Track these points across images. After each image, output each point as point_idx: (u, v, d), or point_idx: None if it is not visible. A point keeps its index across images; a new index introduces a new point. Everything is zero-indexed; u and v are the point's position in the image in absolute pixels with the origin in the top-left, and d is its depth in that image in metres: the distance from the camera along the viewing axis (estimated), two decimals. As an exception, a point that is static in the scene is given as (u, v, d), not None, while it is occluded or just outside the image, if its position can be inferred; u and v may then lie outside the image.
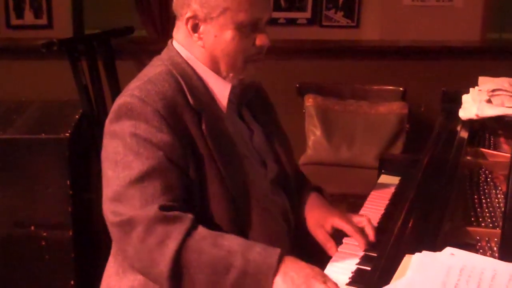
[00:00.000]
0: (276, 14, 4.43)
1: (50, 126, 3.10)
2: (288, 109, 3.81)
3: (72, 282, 3.03)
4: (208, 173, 1.73)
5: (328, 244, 1.83)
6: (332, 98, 4.04)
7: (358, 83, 4.15)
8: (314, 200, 2.02)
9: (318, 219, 1.92)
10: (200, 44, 1.79)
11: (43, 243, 3.02)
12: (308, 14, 4.49)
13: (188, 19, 1.77)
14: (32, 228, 3.01)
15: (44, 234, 3.02)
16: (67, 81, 3.31)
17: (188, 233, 1.61)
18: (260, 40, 1.80)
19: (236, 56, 1.78)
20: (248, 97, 1.95)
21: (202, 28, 1.77)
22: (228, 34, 1.75)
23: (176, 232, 1.60)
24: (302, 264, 1.61)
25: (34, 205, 3.01)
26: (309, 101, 4.01)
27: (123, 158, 1.67)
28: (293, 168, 2.04)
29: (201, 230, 1.63)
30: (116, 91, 3.57)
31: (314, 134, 3.94)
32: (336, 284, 1.55)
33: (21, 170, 2.98)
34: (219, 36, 1.76)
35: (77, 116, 3.22)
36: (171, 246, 1.59)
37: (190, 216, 1.64)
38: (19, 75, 4.11)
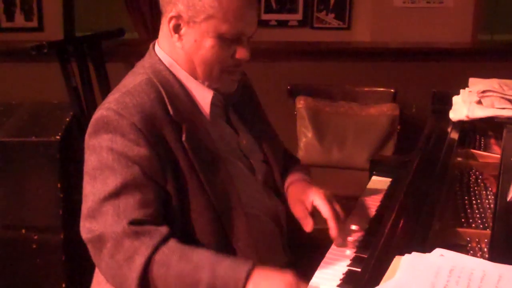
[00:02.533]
0: (267, 16, 4.44)
1: (40, 129, 3.09)
2: (279, 111, 3.81)
3: (63, 285, 3.02)
4: (189, 185, 1.71)
5: (305, 220, 1.81)
6: (323, 100, 4.04)
7: (349, 84, 4.15)
8: (296, 175, 2.02)
9: (298, 194, 1.90)
10: (179, 46, 1.76)
11: (34, 246, 3.01)
12: (299, 16, 4.49)
13: (171, 18, 1.74)
14: (23, 231, 3.00)
15: (35, 237, 3.01)
16: (58, 84, 3.31)
17: (156, 248, 1.60)
18: (240, 53, 1.77)
19: (212, 65, 1.76)
20: (234, 98, 1.92)
21: (183, 30, 1.74)
22: (208, 42, 1.72)
23: (144, 247, 1.59)
24: (274, 273, 1.59)
25: (25, 208, 3.00)
26: (300, 103, 4.01)
27: (100, 174, 1.66)
28: (281, 167, 2.03)
29: (171, 244, 1.62)
30: (107, 93, 3.53)
31: (306, 135, 3.94)
32: None
33: (11, 173, 2.97)
34: (199, 42, 1.73)
35: (67, 119, 3.21)
36: (138, 261, 1.59)
37: (162, 229, 1.63)
38: (9, 77, 4.10)
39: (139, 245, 1.60)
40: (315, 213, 1.85)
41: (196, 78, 1.80)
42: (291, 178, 2.02)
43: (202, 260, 1.60)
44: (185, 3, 1.71)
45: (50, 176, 2.96)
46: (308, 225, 1.81)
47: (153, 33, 4.07)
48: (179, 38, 1.76)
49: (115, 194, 1.63)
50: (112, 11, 4.58)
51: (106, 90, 3.56)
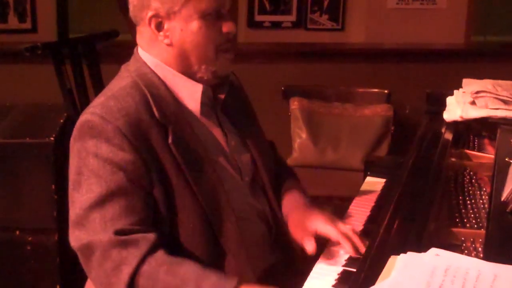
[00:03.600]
0: (261, 18, 4.44)
1: (34, 130, 3.09)
2: (273, 112, 3.83)
3: (57, 287, 3.01)
4: (176, 187, 1.71)
5: (307, 242, 1.77)
6: (318, 101, 4.05)
7: (343, 85, 4.17)
8: (295, 200, 1.99)
9: (300, 221, 1.87)
10: (167, 42, 1.76)
11: (28, 248, 3.00)
12: (293, 17, 4.50)
13: (150, 19, 1.74)
14: (17, 232, 2.99)
15: (29, 238, 3.00)
16: (52, 85, 3.30)
17: (144, 259, 1.60)
18: (227, 27, 1.78)
19: (206, 46, 1.76)
20: (222, 93, 1.90)
21: (166, 25, 1.74)
22: (194, 25, 1.73)
23: (131, 258, 1.59)
24: None
25: (19, 210, 2.99)
26: (295, 104, 4.01)
27: (86, 180, 1.66)
28: (270, 169, 2.01)
29: (159, 255, 1.62)
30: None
31: (300, 137, 3.94)
32: None
33: (5, 175, 2.96)
34: (185, 29, 1.73)
35: (61, 120, 3.20)
36: (125, 271, 1.58)
37: (149, 238, 1.63)
38: (3, 79, 4.09)
39: (126, 255, 1.59)
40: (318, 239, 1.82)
41: (188, 70, 1.79)
42: (289, 204, 1.99)
43: (189, 275, 1.59)
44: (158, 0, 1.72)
45: (44, 177, 2.95)
46: (309, 247, 1.76)
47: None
48: (165, 36, 1.76)
49: (101, 202, 1.63)
50: (106, 13, 4.57)
51: (100, 91, 3.51)
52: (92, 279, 1.68)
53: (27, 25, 4.35)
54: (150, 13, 1.73)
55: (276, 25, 4.49)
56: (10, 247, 3.00)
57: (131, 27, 4.33)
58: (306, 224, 1.84)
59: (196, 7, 1.72)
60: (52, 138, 2.95)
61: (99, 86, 3.57)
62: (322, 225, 1.81)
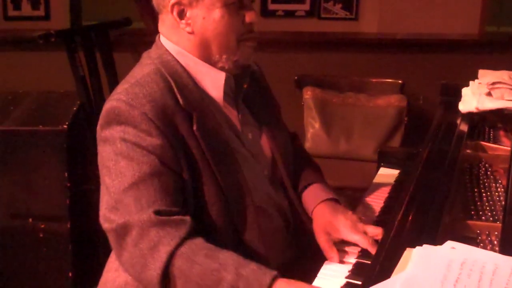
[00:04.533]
0: (274, 6, 4.43)
1: (47, 118, 3.10)
2: (286, 102, 3.79)
3: (69, 274, 3.03)
4: (201, 173, 1.71)
5: (331, 253, 1.76)
6: (331, 91, 4.04)
7: (356, 75, 4.15)
8: (320, 195, 1.96)
9: (325, 227, 1.85)
10: (189, 30, 1.75)
11: (41, 235, 3.02)
12: (306, 6, 4.48)
13: (173, 6, 1.73)
14: (30, 220, 3.01)
15: (42, 226, 3.01)
16: (65, 73, 3.30)
17: (182, 241, 1.58)
18: (249, 17, 1.77)
19: (228, 35, 1.76)
20: (244, 88, 1.90)
21: (188, 13, 1.74)
22: (217, 13, 1.72)
23: (169, 238, 1.58)
24: (297, 284, 1.56)
25: (32, 197, 3.00)
26: (308, 94, 4.01)
27: (115, 165, 1.65)
28: (290, 163, 2.00)
29: (199, 241, 1.61)
30: (114, 82, 3.56)
31: (313, 126, 3.94)
32: None
33: (18, 162, 2.97)
34: (208, 17, 1.73)
35: (74, 108, 3.21)
36: (163, 251, 1.57)
37: (187, 222, 1.62)
38: (16, 66, 4.11)
39: (164, 235, 1.58)
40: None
41: (209, 59, 1.79)
42: (314, 199, 1.96)
43: (228, 260, 1.57)
44: None
45: (57, 165, 2.96)
46: (333, 258, 1.75)
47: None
48: (186, 24, 1.75)
49: (135, 184, 1.62)
50: (118, 1, 4.57)
51: (113, 79, 3.56)
52: (124, 262, 1.65)
53: (41, 12, 4.36)
54: (172, 1, 1.73)
55: (289, 14, 4.48)
56: (23, 235, 3.02)
57: (144, 16, 4.35)
58: (332, 230, 1.82)
59: None
60: (65, 126, 2.96)
61: (112, 74, 3.57)
62: (349, 233, 1.79)
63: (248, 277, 1.53)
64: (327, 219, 1.86)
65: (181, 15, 1.75)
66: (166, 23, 1.81)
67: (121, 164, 1.64)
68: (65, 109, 3.22)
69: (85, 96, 3.28)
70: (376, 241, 1.75)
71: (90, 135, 3.22)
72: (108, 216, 1.65)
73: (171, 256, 1.57)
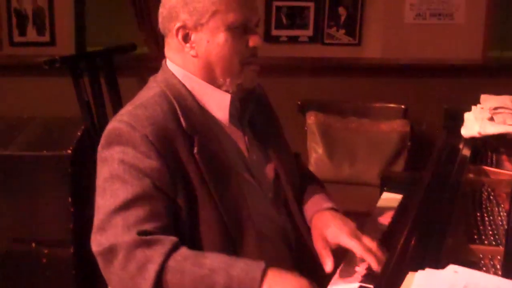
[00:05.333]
0: (278, 32, 4.45)
1: (52, 143, 3.11)
2: (289, 127, 3.79)
3: (73, 299, 3.02)
4: (199, 198, 1.71)
5: (326, 259, 1.76)
6: (334, 116, 4.05)
7: (360, 100, 4.17)
8: (319, 204, 1.96)
9: (323, 232, 1.84)
10: (193, 54, 1.78)
11: (44, 260, 3.02)
12: (310, 32, 4.50)
13: (178, 30, 1.76)
14: (33, 245, 3.01)
15: (45, 251, 3.01)
16: (69, 98, 3.31)
17: (169, 255, 1.60)
18: (253, 41, 1.79)
19: (232, 59, 1.77)
20: (249, 109, 1.92)
21: (193, 36, 1.76)
22: (221, 37, 1.75)
23: (156, 255, 1.59)
24: (288, 275, 1.60)
25: (35, 222, 3.01)
26: (311, 119, 4.02)
27: (110, 186, 1.67)
28: (295, 185, 2.00)
29: (183, 250, 1.62)
30: (118, 107, 3.56)
31: (316, 151, 3.94)
32: None
33: (22, 187, 2.98)
34: (212, 41, 1.75)
35: (79, 133, 3.22)
36: (152, 269, 1.58)
37: (171, 238, 1.63)
38: (21, 92, 4.13)
39: (151, 254, 1.59)
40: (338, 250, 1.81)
41: (214, 82, 1.81)
42: (314, 207, 1.96)
43: (216, 264, 1.60)
44: (186, 10, 1.74)
45: (61, 190, 2.97)
46: (328, 265, 1.75)
47: (164, 48, 4.09)
48: (191, 47, 1.78)
49: (125, 206, 1.63)
50: (123, 26, 4.60)
51: (117, 104, 3.57)
52: (114, 285, 1.66)
53: (46, 38, 4.38)
54: (178, 24, 1.76)
55: (293, 39, 4.50)
56: (26, 259, 3.02)
57: (149, 41, 4.38)
58: (329, 236, 1.82)
59: (224, 20, 1.74)
60: (69, 151, 2.98)
61: (116, 99, 3.58)
62: (345, 239, 1.78)
63: (239, 277, 1.57)
64: (326, 225, 1.85)
65: (186, 38, 1.77)
66: (171, 46, 1.83)
67: (115, 185, 1.65)
68: (70, 134, 3.23)
69: (90, 121, 3.29)
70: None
71: (94, 160, 3.22)
72: (97, 239, 1.66)
73: (160, 272, 1.58)
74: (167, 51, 1.86)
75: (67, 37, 4.37)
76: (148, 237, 1.61)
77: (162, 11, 1.82)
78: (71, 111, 3.41)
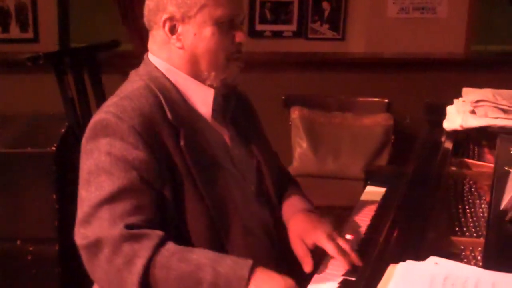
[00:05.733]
0: (262, 27, 4.45)
1: (36, 140, 3.10)
2: (274, 121, 3.83)
3: (58, 297, 3.02)
4: (186, 190, 1.72)
5: (305, 260, 1.77)
6: (318, 110, 4.06)
7: (343, 95, 4.18)
8: (296, 206, 1.98)
9: (300, 233, 1.85)
10: (179, 46, 1.78)
11: (29, 258, 3.01)
12: (294, 27, 4.51)
13: (165, 21, 1.77)
14: (18, 242, 3.00)
15: (30, 248, 3.00)
16: (53, 95, 3.31)
17: (156, 250, 1.59)
18: (239, 37, 1.81)
19: (217, 53, 1.78)
20: (231, 106, 1.93)
21: (180, 28, 1.77)
22: (208, 31, 1.76)
23: (143, 250, 1.58)
24: (275, 275, 1.60)
25: (20, 219, 3.00)
26: (295, 113, 4.02)
27: (96, 178, 1.66)
28: (276, 180, 2.01)
29: (170, 246, 1.62)
30: (102, 104, 3.56)
31: (300, 146, 3.95)
32: None
33: (6, 184, 2.97)
34: (199, 34, 1.76)
35: (63, 130, 3.21)
36: (139, 264, 1.57)
37: (158, 233, 1.62)
38: (5, 89, 4.11)
39: (138, 248, 1.59)
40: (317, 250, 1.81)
41: (198, 75, 1.81)
42: (291, 209, 1.97)
43: (203, 260, 1.60)
44: (174, 3, 1.75)
45: (46, 187, 2.96)
46: (307, 265, 1.76)
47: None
48: (177, 39, 1.78)
49: (111, 199, 1.63)
50: (107, 23, 4.59)
51: (101, 101, 3.56)
52: (98, 278, 1.65)
53: (29, 34, 4.37)
54: (165, 16, 1.76)
55: (277, 34, 4.50)
56: (11, 257, 3.01)
57: (133, 37, 4.37)
58: (306, 236, 1.83)
59: (212, 14, 1.75)
60: (53, 148, 2.97)
61: (100, 96, 3.58)
62: (321, 239, 1.78)
63: (226, 274, 1.57)
64: (302, 226, 1.86)
65: (173, 30, 1.78)
66: (156, 39, 1.83)
67: (101, 177, 1.65)
68: (54, 131, 3.22)
69: (74, 118, 3.29)
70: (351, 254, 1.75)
71: (78, 157, 3.22)
72: (81, 232, 1.65)
73: (147, 267, 1.58)
74: (151, 44, 1.86)
75: (51, 33, 4.35)
76: (136, 231, 1.60)
77: (149, 4, 1.82)
78: (55, 108, 3.41)
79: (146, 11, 1.83)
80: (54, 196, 2.96)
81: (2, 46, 4.32)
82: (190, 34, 1.77)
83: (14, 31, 4.35)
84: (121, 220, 1.61)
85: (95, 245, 1.61)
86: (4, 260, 3.02)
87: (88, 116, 3.41)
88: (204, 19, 1.75)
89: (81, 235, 1.65)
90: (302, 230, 1.85)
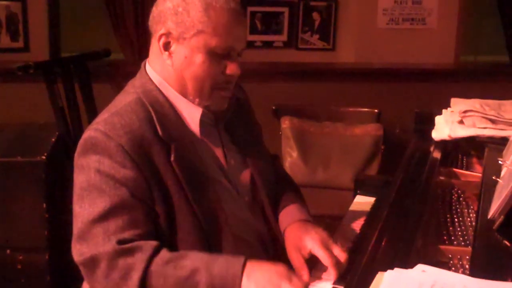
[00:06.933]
0: (252, 37, 4.47)
1: (26, 149, 3.09)
2: (264, 131, 3.83)
3: (47, 306, 3.01)
4: (176, 205, 1.72)
5: (302, 270, 1.75)
6: (308, 120, 4.07)
7: (334, 105, 4.19)
8: (292, 215, 1.96)
9: (296, 242, 1.84)
10: (169, 64, 1.77)
11: (19, 267, 3.00)
12: (284, 37, 4.54)
13: (161, 36, 1.76)
14: (8, 251, 2.99)
15: (20, 257, 3.00)
16: (44, 104, 3.31)
17: (150, 260, 1.62)
18: (231, 69, 1.78)
19: (204, 81, 1.77)
20: (225, 117, 1.92)
21: (173, 47, 1.76)
22: (199, 58, 1.74)
23: (138, 262, 1.61)
24: (266, 265, 1.64)
25: (10, 228, 2.99)
26: (286, 123, 4.03)
27: (88, 195, 1.68)
28: (271, 189, 2.00)
29: (163, 254, 1.64)
30: (93, 113, 3.56)
31: (291, 155, 3.96)
32: (301, 282, 1.60)
33: (-4, 193, 2.96)
34: (189, 58, 1.75)
35: (53, 139, 3.20)
36: (135, 277, 1.60)
37: (151, 243, 1.64)
38: (-5, 98, 4.10)
39: (133, 262, 1.61)
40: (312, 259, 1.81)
41: (186, 96, 1.80)
42: (287, 219, 1.96)
43: (197, 264, 1.62)
44: (174, 20, 1.73)
45: (36, 196, 2.95)
46: (304, 275, 1.74)
47: (139, 54, 4.10)
48: (169, 56, 1.77)
49: (104, 216, 1.64)
50: (98, 32, 4.60)
51: (92, 110, 3.57)
52: None
53: (20, 44, 4.37)
54: (162, 30, 1.75)
55: (267, 44, 4.53)
56: (1, 266, 3.00)
57: (124, 47, 4.37)
58: (301, 245, 1.82)
59: (207, 41, 1.73)
60: (43, 157, 2.96)
61: (91, 105, 3.58)
62: (316, 248, 1.77)
63: (220, 274, 1.60)
64: (298, 235, 1.86)
65: (166, 46, 1.77)
66: (153, 48, 1.83)
67: (93, 194, 1.67)
68: (44, 140, 3.22)
69: (64, 127, 3.29)
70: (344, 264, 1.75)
71: (68, 166, 3.20)
72: (77, 248, 1.68)
73: (143, 279, 1.60)
74: (151, 52, 1.86)
75: (41, 43, 4.36)
76: (128, 245, 1.62)
77: (154, 11, 1.80)
78: (45, 117, 3.41)
79: (150, 17, 1.81)
80: (44, 205, 2.96)
81: (-7, 55, 4.32)
82: (181, 55, 1.76)
83: (5, 40, 4.35)
84: (115, 236, 1.63)
85: (91, 262, 1.64)
86: (-7, 269, 3.01)
87: (78, 125, 3.41)
88: (198, 45, 1.73)
89: (77, 252, 1.68)
90: (298, 239, 1.85)
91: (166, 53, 1.77)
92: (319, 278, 1.76)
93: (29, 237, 3.00)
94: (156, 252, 1.64)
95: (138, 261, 1.61)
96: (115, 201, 1.65)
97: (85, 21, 4.67)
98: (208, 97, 1.80)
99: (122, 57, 4.31)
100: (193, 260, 1.64)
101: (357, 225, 2.14)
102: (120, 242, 1.62)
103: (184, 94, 1.81)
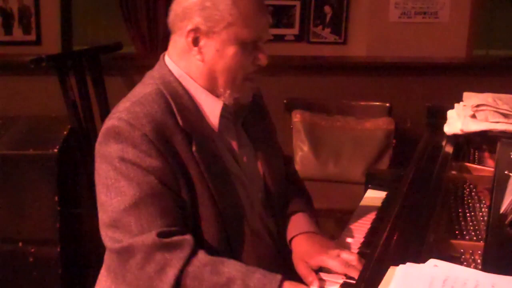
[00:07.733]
0: (263, 31, 4.46)
1: (38, 142, 3.11)
2: (275, 125, 3.84)
3: (59, 298, 3.03)
4: (199, 194, 1.72)
5: (309, 278, 1.74)
6: (320, 114, 4.06)
7: (345, 99, 4.18)
8: (299, 226, 1.95)
9: (303, 256, 1.84)
10: (199, 59, 1.77)
11: (31, 259, 3.02)
12: (295, 31, 4.52)
13: (189, 32, 1.74)
14: (20, 244, 3.01)
15: (32, 250, 3.01)
16: (56, 97, 3.33)
17: (188, 260, 1.61)
18: (260, 58, 1.80)
19: (236, 73, 1.77)
20: (244, 111, 1.92)
21: (203, 42, 1.75)
22: (231, 50, 1.74)
23: (176, 260, 1.60)
24: (302, 286, 1.62)
25: (22, 221, 3.01)
26: (297, 117, 4.03)
27: (114, 183, 1.67)
28: (281, 188, 2.01)
29: (202, 256, 1.64)
30: (105, 106, 3.58)
31: (302, 149, 3.96)
32: None
33: (8, 186, 2.98)
34: (221, 51, 1.74)
35: (65, 132, 3.22)
36: (171, 273, 1.59)
37: (189, 241, 1.64)
38: (7, 91, 4.12)
39: (170, 258, 1.60)
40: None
41: (212, 89, 1.80)
42: (294, 230, 1.96)
43: (234, 273, 1.61)
44: (202, 15, 1.73)
45: (48, 189, 2.97)
46: (312, 282, 1.73)
47: (151, 47, 4.10)
48: (199, 51, 1.76)
49: (136, 204, 1.64)
50: (109, 25, 4.60)
51: (104, 103, 3.58)
52: (129, 283, 1.67)
53: (32, 37, 4.38)
54: (190, 26, 1.74)
55: (278, 38, 4.51)
56: (12, 258, 3.02)
57: (136, 40, 4.38)
58: (309, 260, 1.81)
59: (237, 33, 1.73)
60: (55, 150, 2.98)
61: (102, 98, 3.60)
62: (326, 261, 1.77)
63: (256, 287, 1.58)
64: (304, 249, 1.86)
65: (195, 42, 1.76)
66: (177, 45, 1.82)
67: (121, 183, 1.66)
68: (56, 133, 3.23)
69: (76, 120, 3.31)
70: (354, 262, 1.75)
71: (80, 159, 3.23)
72: (110, 235, 1.67)
73: (179, 277, 1.60)
74: (171, 48, 1.84)
75: (53, 36, 4.37)
76: (168, 240, 1.62)
77: (176, 9, 1.79)
78: (57, 110, 3.42)
79: (171, 15, 1.80)
80: (56, 198, 2.97)
81: (5, 48, 4.33)
82: (212, 49, 1.75)
83: (17, 34, 4.36)
84: (148, 225, 1.63)
85: (127, 251, 1.63)
86: (5, 262, 3.03)
87: (90, 118, 3.43)
88: (229, 37, 1.73)
89: (111, 239, 1.67)
90: (305, 253, 1.84)
91: (196, 48, 1.76)
92: (330, 271, 1.77)
93: (41, 230, 3.01)
94: (194, 252, 1.63)
95: (176, 258, 1.61)
96: (145, 189, 1.65)
97: (97, 15, 4.67)
98: (240, 88, 1.81)
99: (134, 51, 4.31)
100: (231, 268, 1.62)
101: (369, 219, 2.14)
102: (160, 234, 1.61)
103: (212, 87, 1.80)
